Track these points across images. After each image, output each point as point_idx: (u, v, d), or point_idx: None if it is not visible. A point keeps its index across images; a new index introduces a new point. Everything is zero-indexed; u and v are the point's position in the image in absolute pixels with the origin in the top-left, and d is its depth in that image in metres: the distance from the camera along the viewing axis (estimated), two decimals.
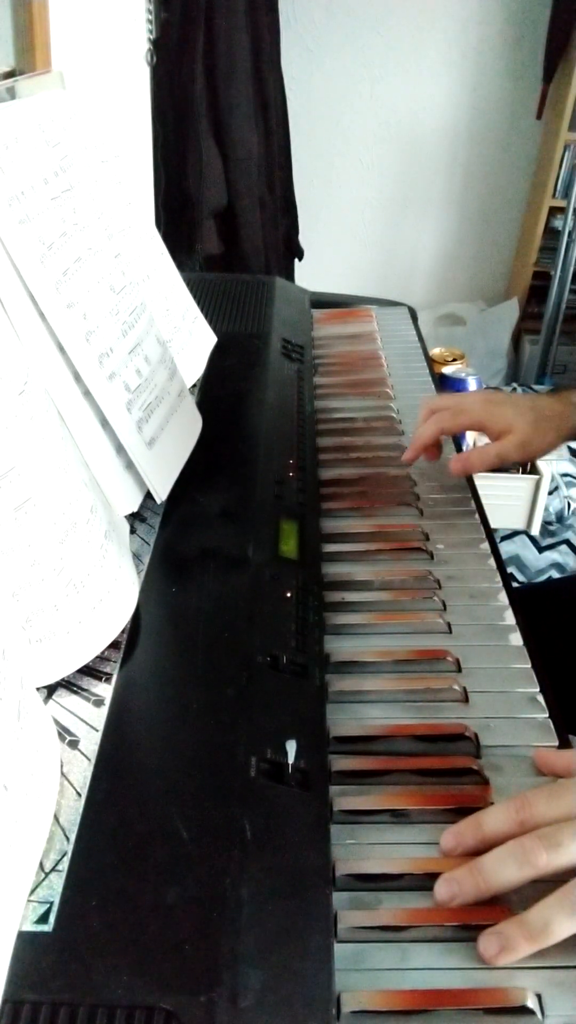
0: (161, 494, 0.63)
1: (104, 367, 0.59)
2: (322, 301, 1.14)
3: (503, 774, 0.48)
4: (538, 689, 0.54)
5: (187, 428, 0.70)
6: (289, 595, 0.57)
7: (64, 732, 0.45)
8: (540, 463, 1.82)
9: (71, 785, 0.42)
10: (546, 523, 1.93)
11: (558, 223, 2.47)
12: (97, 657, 0.49)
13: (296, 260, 2.31)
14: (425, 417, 0.75)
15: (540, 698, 0.53)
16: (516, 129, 2.57)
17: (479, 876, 0.40)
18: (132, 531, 0.61)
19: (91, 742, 0.44)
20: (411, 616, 0.60)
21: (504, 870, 0.40)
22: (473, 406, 0.74)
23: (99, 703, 0.47)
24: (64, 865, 0.38)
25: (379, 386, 0.92)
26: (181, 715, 0.46)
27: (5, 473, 0.44)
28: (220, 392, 0.82)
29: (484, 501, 0.74)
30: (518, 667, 0.55)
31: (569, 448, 2.06)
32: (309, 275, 2.08)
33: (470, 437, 1.61)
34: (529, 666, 0.55)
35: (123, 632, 0.51)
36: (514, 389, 2.54)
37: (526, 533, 1.89)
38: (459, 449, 0.83)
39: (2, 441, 0.44)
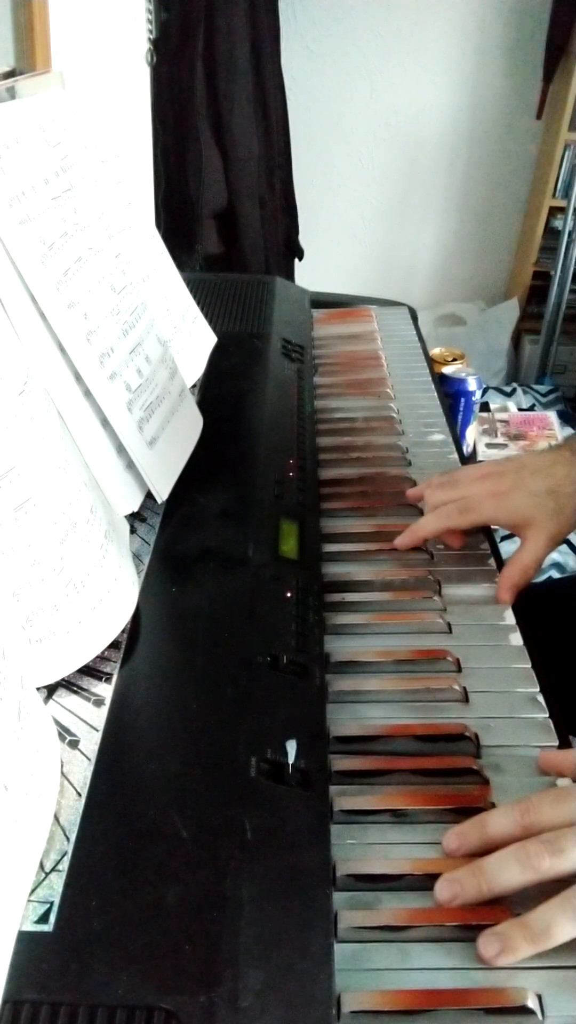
0: (162, 494, 0.63)
1: (105, 367, 0.59)
2: (322, 301, 1.14)
3: (503, 774, 0.48)
4: (538, 689, 0.54)
5: (188, 428, 0.70)
6: (289, 595, 0.57)
7: (64, 732, 0.45)
8: None
9: (71, 785, 0.42)
10: None
11: (558, 223, 2.47)
12: (97, 657, 0.49)
13: (296, 260, 2.31)
14: (429, 505, 0.67)
15: (540, 698, 0.53)
16: (516, 129, 2.57)
17: (481, 877, 0.40)
18: (132, 531, 0.61)
19: (91, 742, 0.44)
20: (411, 616, 0.60)
21: (506, 872, 0.40)
22: (482, 503, 0.64)
23: (99, 703, 0.47)
24: (64, 865, 0.38)
25: (379, 386, 0.92)
26: (181, 715, 0.46)
27: (5, 473, 0.44)
28: (220, 392, 0.82)
29: None
30: (518, 667, 0.55)
31: None
32: (309, 275, 2.08)
33: (470, 436, 1.61)
34: (529, 666, 0.55)
35: (123, 632, 0.51)
36: (514, 390, 2.53)
37: None
38: (459, 448, 0.83)
39: (2, 441, 0.44)
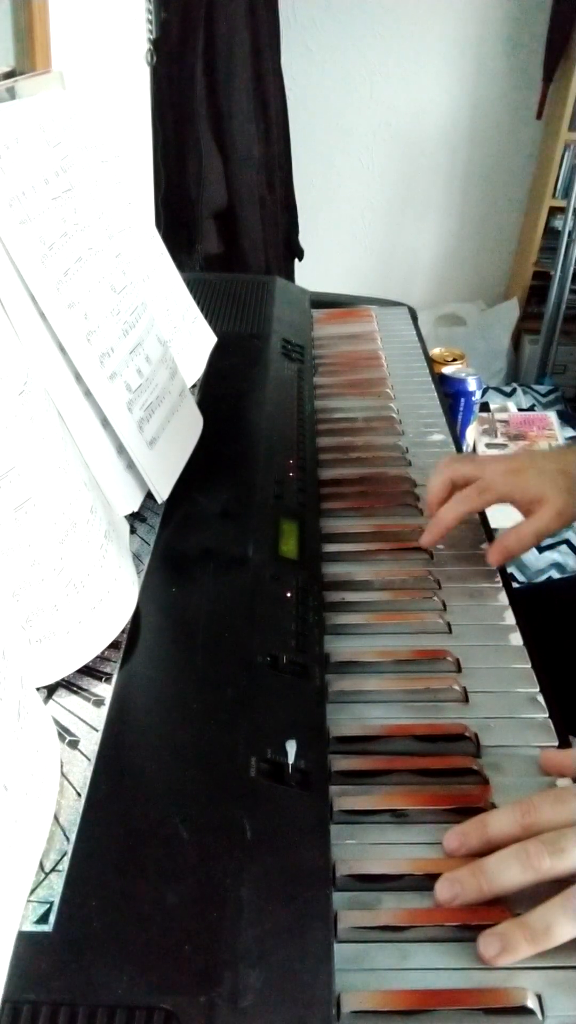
0: (162, 494, 0.63)
1: (105, 367, 0.59)
2: (322, 301, 1.14)
3: (503, 774, 0.48)
4: (538, 689, 0.54)
5: (188, 428, 0.70)
6: (289, 595, 0.57)
7: (64, 732, 0.45)
8: None
9: (71, 785, 0.42)
10: None
11: (558, 223, 2.47)
12: (97, 657, 0.49)
13: (296, 260, 2.31)
14: (445, 486, 0.67)
15: (540, 698, 0.53)
16: (516, 129, 2.57)
17: (481, 877, 0.40)
18: (132, 531, 0.61)
19: (91, 742, 0.44)
20: (411, 616, 0.60)
21: (507, 872, 0.40)
22: (497, 480, 0.66)
23: (99, 703, 0.47)
24: (64, 865, 0.38)
25: (379, 386, 0.92)
26: (181, 715, 0.46)
27: (5, 473, 0.44)
28: (220, 392, 0.82)
29: None
30: (518, 667, 0.55)
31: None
32: (309, 275, 2.08)
33: (470, 436, 1.61)
34: (529, 666, 0.55)
35: (123, 632, 0.51)
36: (514, 390, 2.53)
37: None
38: (459, 448, 0.83)
39: (2, 441, 0.44)
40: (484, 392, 2.11)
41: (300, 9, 2.37)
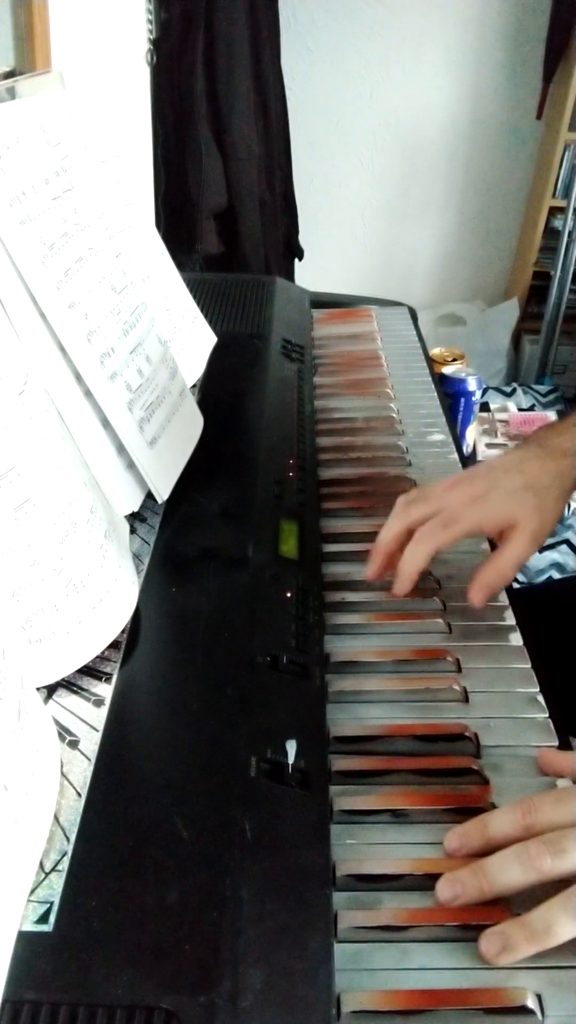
0: (163, 494, 0.63)
1: (105, 367, 0.59)
2: (322, 301, 1.14)
3: (503, 774, 0.48)
4: (538, 689, 0.54)
5: (188, 428, 0.70)
6: (289, 595, 0.57)
7: (64, 732, 0.45)
8: None
9: (71, 785, 0.42)
10: None
11: (558, 223, 2.47)
12: (97, 657, 0.49)
13: (296, 260, 2.31)
14: (396, 539, 0.60)
15: (540, 698, 0.53)
16: (516, 129, 2.57)
17: (482, 877, 0.40)
18: (132, 531, 0.61)
19: (91, 742, 0.44)
20: (411, 616, 0.60)
21: (508, 873, 0.40)
22: (461, 510, 0.59)
23: (99, 703, 0.47)
24: (64, 865, 0.38)
25: (379, 386, 0.92)
26: (181, 715, 0.46)
27: (5, 473, 0.44)
28: (220, 392, 0.82)
29: None
30: (518, 667, 0.55)
31: None
32: (309, 275, 2.08)
33: (470, 436, 1.61)
34: (529, 666, 0.55)
35: (123, 632, 0.51)
36: (514, 390, 2.53)
37: (563, 509, 1.88)
38: (459, 448, 0.83)
39: (2, 441, 0.44)
40: (484, 392, 2.11)
41: (300, 9, 2.37)
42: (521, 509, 0.59)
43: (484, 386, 2.06)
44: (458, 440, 0.85)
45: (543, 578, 1.83)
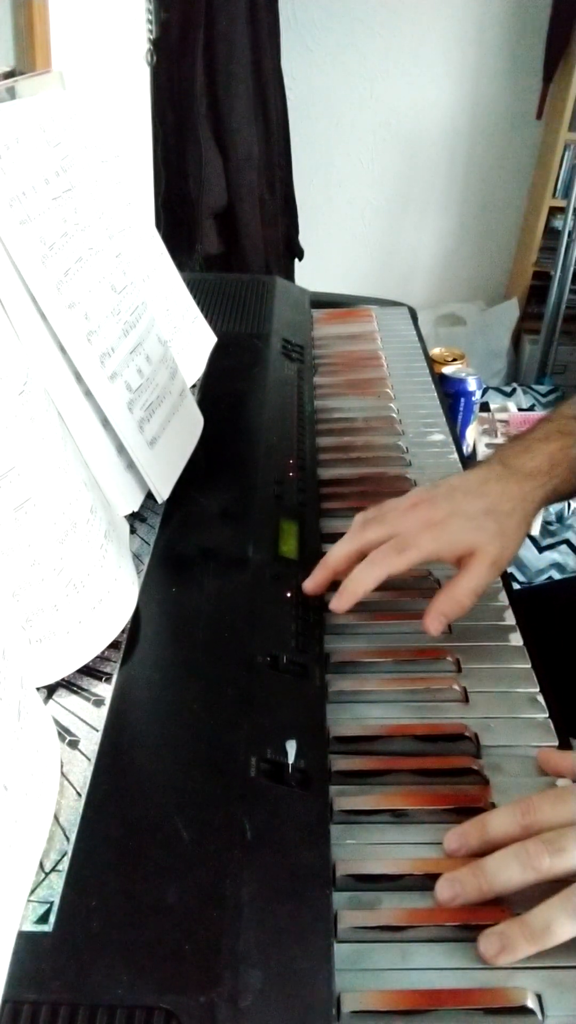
0: (163, 494, 0.63)
1: (105, 367, 0.59)
2: (322, 301, 1.14)
3: (503, 774, 0.48)
4: (538, 689, 0.54)
5: (188, 428, 0.70)
6: (289, 595, 0.57)
7: (64, 732, 0.45)
8: None
9: (71, 785, 0.42)
10: (546, 523, 1.93)
11: (558, 223, 2.47)
12: (97, 657, 0.49)
13: (296, 260, 2.31)
14: (347, 558, 0.58)
15: (540, 698, 0.53)
16: (516, 129, 2.57)
17: (481, 877, 0.40)
18: (132, 531, 0.61)
19: (91, 742, 0.44)
20: (411, 616, 0.60)
21: (506, 872, 0.40)
22: (417, 536, 0.56)
23: (99, 703, 0.47)
24: (64, 865, 0.38)
25: (379, 386, 0.92)
26: (181, 715, 0.47)
27: (5, 473, 0.44)
28: (220, 392, 0.82)
29: None
30: (518, 667, 0.55)
31: None
32: (309, 275, 2.08)
33: (470, 436, 1.61)
34: (529, 666, 0.55)
35: (123, 632, 0.51)
36: (514, 390, 2.53)
37: (526, 533, 1.89)
38: (459, 448, 0.83)
39: (2, 441, 0.44)
40: (484, 392, 2.11)
41: (300, 9, 2.37)
42: (481, 536, 0.56)
43: (484, 386, 2.06)
44: (458, 440, 0.85)
45: (543, 578, 1.83)
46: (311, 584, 0.58)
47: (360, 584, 0.56)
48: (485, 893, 0.40)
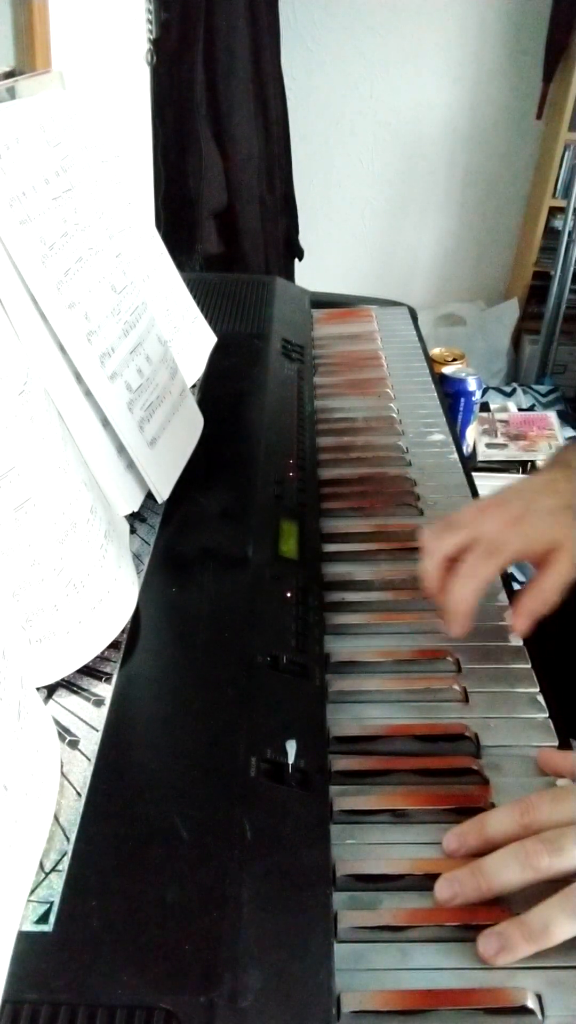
0: (163, 494, 0.63)
1: (106, 367, 0.59)
2: (322, 301, 1.14)
3: (503, 774, 0.48)
4: (538, 689, 0.54)
5: (189, 428, 0.70)
6: (289, 595, 0.57)
7: (64, 732, 0.45)
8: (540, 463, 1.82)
9: (71, 785, 0.42)
10: None
11: (558, 223, 2.47)
12: (97, 657, 0.49)
13: (296, 260, 2.31)
14: (439, 564, 0.56)
15: (540, 698, 0.53)
16: (516, 129, 2.57)
17: (480, 877, 0.40)
18: (132, 531, 0.61)
19: (91, 742, 0.44)
20: (411, 616, 0.60)
21: (506, 871, 0.40)
22: (502, 535, 0.56)
23: (99, 703, 0.47)
24: (64, 865, 0.38)
25: (379, 386, 0.92)
26: (181, 715, 0.46)
27: (5, 473, 0.44)
28: (220, 392, 0.82)
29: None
30: (518, 667, 0.55)
31: None
32: (309, 275, 2.08)
33: (470, 436, 1.61)
34: (529, 666, 0.55)
35: (123, 632, 0.51)
36: (514, 390, 2.53)
37: None
38: (459, 448, 0.83)
39: (2, 441, 0.44)
40: (484, 392, 2.11)
41: (300, 9, 2.37)
42: (563, 530, 0.56)
43: (484, 386, 2.06)
44: (458, 440, 0.85)
45: None
46: (458, 627, 0.56)
47: (464, 601, 0.55)
48: (484, 893, 0.40)
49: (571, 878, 0.39)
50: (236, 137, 1.91)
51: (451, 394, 1.51)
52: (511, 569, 1.81)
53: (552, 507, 0.57)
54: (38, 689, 0.46)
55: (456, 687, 0.53)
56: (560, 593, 0.55)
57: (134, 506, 0.61)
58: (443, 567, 0.56)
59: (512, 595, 0.62)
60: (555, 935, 0.38)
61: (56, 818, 0.40)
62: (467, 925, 0.39)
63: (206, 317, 0.89)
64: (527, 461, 1.83)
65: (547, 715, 0.52)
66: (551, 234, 2.53)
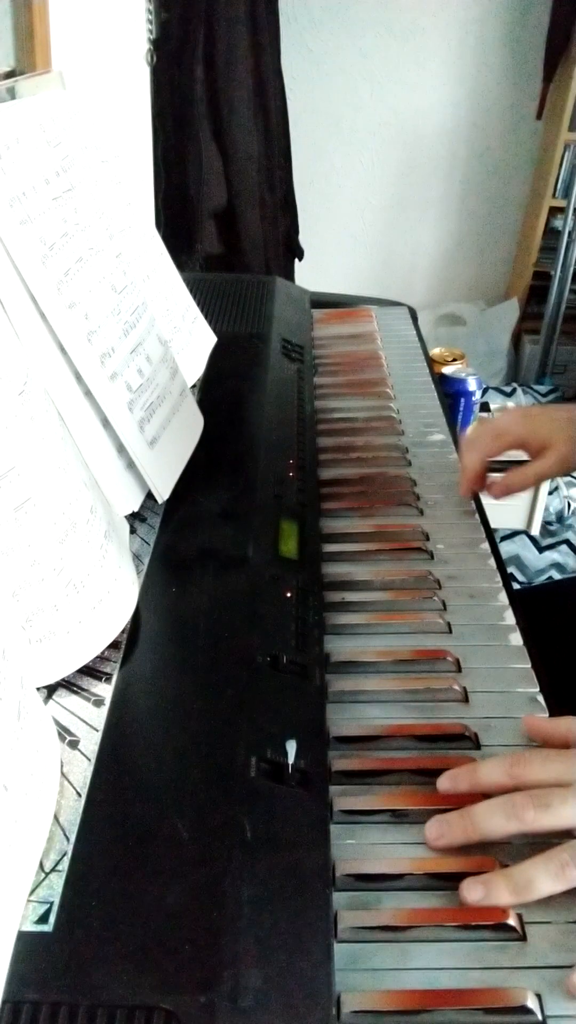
0: (163, 494, 0.63)
1: (106, 367, 0.59)
2: (322, 301, 1.14)
3: None
4: (538, 689, 0.54)
5: (189, 428, 0.70)
6: (289, 595, 0.57)
7: (64, 732, 0.45)
8: None
9: (71, 785, 0.42)
10: (546, 523, 1.93)
11: (558, 223, 2.48)
12: (97, 657, 0.49)
13: (296, 260, 2.31)
14: (467, 448, 0.73)
15: (540, 698, 0.53)
16: (516, 129, 2.58)
17: (468, 821, 0.43)
18: (132, 531, 0.61)
19: (91, 742, 0.44)
20: (411, 616, 0.60)
21: (492, 819, 0.42)
22: (512, 424, 0.72)
23: (99, 703, 0.47)
24: (64, 865, 0.38)
25: (379, 386, 0.92)
26: (181, 715, 0.47)
27: (5, 473, 0.44)
28: (220, 392, 0.82)
29: (484, 501, 0.74)
30: (518, 667, 0.55)
31: None
32: (309, 275, 2.08)
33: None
34: (529, 666, 0.55)
35: (123, 632, 0.51)
36: (514, 390, 2.54)
37: (526, 533, 1.89)
38: (458, 448, 0.83)
39: (2, 441, 0.44)
40: (484, 392, 2.11)
41: (300, 9, 2.37)
42: (560, 434, 0.69)
43: (484, 386, 2.06)
44: (458, 440, 0.85)
45: (543, 578, 1.83)
46: (465, 487, 0.72)
47: (467, 469, 0.72)
48: (470, 836, 0.42)
49: (558, 838, 0.41)
50: (236, 137, 1.91)
51: (451, 394, 1.52)
52: (511, 569, 1.81)
53: (558, 418, 0.71)
54: (38, 689, 0.46)
55: (456, 687, 0.53)
56: (537, 480, 0.71)
57: (134, 506, 0.61)
58: (483, 464, 0.72)
59: (512, 596, 0.62)
60: (537, 890, 0.40)
61: (56, 818, 0.40)
62: (467, 925, 0.39)
63: (206, 317, 0.89)
64: (526, 461, 1.83)
65: (547, 715, 0.52)
66: (551, 234, 2.54)
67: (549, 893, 0.40)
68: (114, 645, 0.50)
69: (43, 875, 0.38)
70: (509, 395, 2.49)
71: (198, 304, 0.88)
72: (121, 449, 0.61)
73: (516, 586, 0.65)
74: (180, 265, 0.87)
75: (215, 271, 1.95)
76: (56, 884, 0.37)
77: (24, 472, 0.45)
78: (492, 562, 0.66)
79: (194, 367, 0.83)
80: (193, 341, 0.84)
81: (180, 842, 0.39)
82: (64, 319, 0.56)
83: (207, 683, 0.48)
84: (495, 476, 0.73)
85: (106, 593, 0.50)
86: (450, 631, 0.58)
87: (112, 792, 0.42)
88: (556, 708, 0.52)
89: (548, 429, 0.70)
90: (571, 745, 0.46)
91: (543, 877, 0.40)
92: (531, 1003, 0.36)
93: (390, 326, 1.08)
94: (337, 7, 2.39)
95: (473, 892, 0.40)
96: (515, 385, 2.59)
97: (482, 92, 2.53)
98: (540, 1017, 0.36)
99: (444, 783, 0.46)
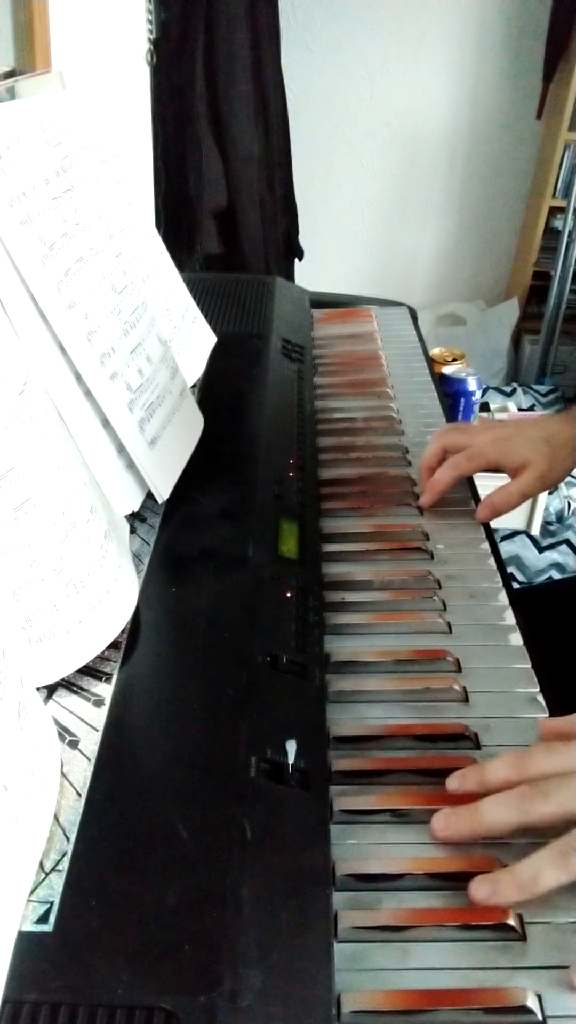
0: (163, 494, 0.63)
1: (106, 367, 0.59)
2: (322, 301, 1.14)
3: None
4: (538, 689, 0.54)
5: (189, 428, 0.70)
6: (289, 595, 0.57)
7: (64, 732, 0.45)
8: None
9: (71, 785, 0.42)
10: (546, 523, 1.93)
11: (558, 223, 2.47)
12: (97, 657, 0.49)
13: (296, 260, 2.31)
14: (437, 454, 0.73)
15: (540, 698, 0.53)
16: (516, 129, 2.57)
17: (474, 814, 0.43)
18: (132, 531, 0.61)
19: (91, 742, 0.44)
20: (411, 616, 0.60)
21: (497, 812, 0.43)
22: (486, 447, 0.72)
23: (99, 703, 0.47)
24: (64, 865, 0.38)
25: (379, 386, 0.92)
26: (181, 715, 0.47)
27: (5, 473, 0.44)
28: (220, 392, 0.82)
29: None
30: (518, 667, 0.55)
31: None
32: (309, 275, 2.08)
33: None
34: (529, 666, 0.55)
35: (123, 632, 0.51)
36: (514, 390, 2.53)
37: (526, 533, 1.89)
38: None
39: (2, 441, 0.44)
40: (484, 392, 2.11)
41: (300, 9, 2.37)
42: (536, 454, 0.70)
43: (484, 386, 2.06)
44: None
45: (543, 578, 1.83)
46: (425, 499, 0.72)
47: (440, 483, 0.71)
48: (475, 828, 0.43)
49: (563, 830, 0.41)
50: (236, 137, 1.91)
51: (451, 394, 1.52)
52: (511, 569, 1.81)
53: (533, 437, 0.72)
54: (38, 689, 0.46)
55: (456, 687, 0.53)
56: (521, 498, 0.71)
57: (134, 506, 0.61)
58: (438, 456, 0.73)
59: (512, 596, 0.62)
60: (543, 884, 0.40)
61: (56, 818, 0.40)
62: (467, 925, 0.39)
63: (206, 317, 0.89)
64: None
65: (547, 715, 0.52)
66: (551, 234, 2.54)
67: (556, 884, 0.40)
68: (114, 645, 0.50)
69: (43, 875, 0.38)
70: (509, 395, 2.49)
71: (198, 304, 0.88)
72: (121, 449, 0.61)
73: (516, 586, 0.65)
74: (180, 265, 0.87)
75: (215, 271, 1.94)
76: (56, 884, 0.37)
77: (24, 472, 0.45)
78: (492, 562, 0.66)
79: (194, 367, 0.83)
80: (193, 341, 0.84)
81: (180, 842, 0.39)
82: (64, 319, 0.56)
83: (207, 683, 0.48)
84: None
85: (106, 593, 0.50)
86: (450, 631, 0.58)
87: (112, 792, 0.42)
88: (556, 708, 0.52)
89: (523, 450, 0.71)
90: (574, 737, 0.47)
91: (548, 868, 0.40)
92: (531, 1003, 0.36)
93: (390, 326, 1.08)
94: (337, 7, 2.39)
95: (480, 890, 0.40)
96: (515, 385, 2.59)
97: (482, 92, 2.53)
98: (540, 1017, 0.36)
99: (452, 783, 0.46)
